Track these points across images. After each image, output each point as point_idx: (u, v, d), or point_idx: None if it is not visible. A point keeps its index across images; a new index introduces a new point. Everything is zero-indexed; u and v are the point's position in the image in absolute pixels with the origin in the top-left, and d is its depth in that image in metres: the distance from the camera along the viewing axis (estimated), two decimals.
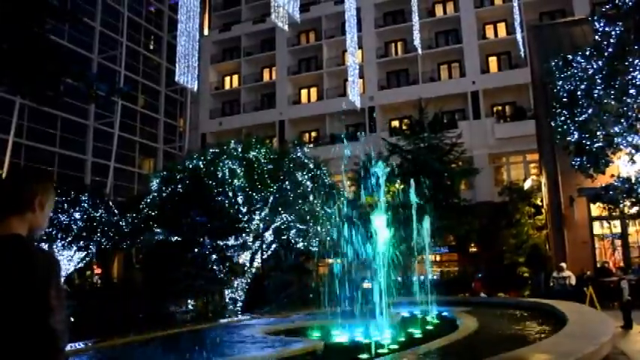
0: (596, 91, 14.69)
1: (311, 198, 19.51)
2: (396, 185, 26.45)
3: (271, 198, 18.65)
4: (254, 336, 10.59)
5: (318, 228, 19.95)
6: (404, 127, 31.85)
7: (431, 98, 33.09)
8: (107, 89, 14.27)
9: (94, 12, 39.27)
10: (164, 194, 19.41)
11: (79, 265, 23.57)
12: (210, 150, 20.60)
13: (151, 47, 46.88)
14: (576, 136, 15.41)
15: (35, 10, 11.94)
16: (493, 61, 37.82)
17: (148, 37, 46.37)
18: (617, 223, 19.57)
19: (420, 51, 34.31)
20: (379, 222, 9.97)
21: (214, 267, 18.53)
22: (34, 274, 1.89)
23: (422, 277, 13.21)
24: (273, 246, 20.39)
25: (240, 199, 18.48)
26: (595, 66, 14.98)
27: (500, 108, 37.03)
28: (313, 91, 42.45)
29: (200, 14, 39.57)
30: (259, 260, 20.01)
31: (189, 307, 19.15)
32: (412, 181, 13.08)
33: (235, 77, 45.35)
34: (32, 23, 11.83)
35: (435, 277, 13.37)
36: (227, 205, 18.32)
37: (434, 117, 28.55)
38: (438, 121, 28.42)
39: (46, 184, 2.19)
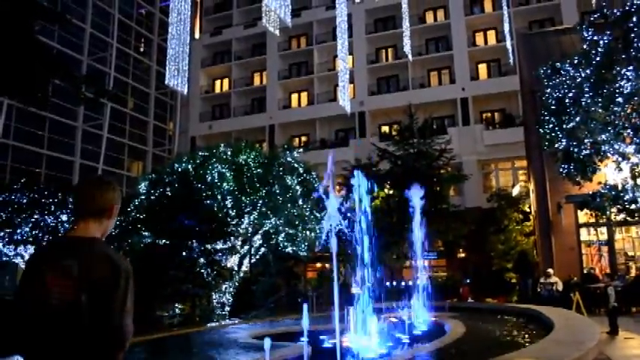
0: (584, 99, 14.81)
1: (300, 202, 19.48)
2: (385, 190, 26.57)
3: (260, 202, 18.59)
4: (241, 340, 10.55)
5: (307, 232, 19.93)
6: (394, 133, 31.93)
7: (421, 104, 33.20)
8: (95, 91, 14.20)
9: (84, 13, 39.08)
10: (152, 197, 19.30)
11: None
12: (200, 153, 20.53)
13: (141, 50, 46.70)
14: (564, 144, 15.52)
15: (24, 11, 11.85)
16: (483, 68, 38.07)
17: (138, 39, 46.19)
18: (604, 229, 19.73)
19: (410, 57, 34.45)
20: (368, 227, 9.97)
21: (202, 271, 18.43)
22: (118, 279, 2.05)
23: (410, 283, 13.22)
24: (262, 250, 20.33)
25: (229, 203, 18.41)
26: (583, 74, 15.10)
27: (489, 115, 37.25)
28: (304, 95, 42.47)
29: (191, 17, 39.52)
30: (247, 264, 19.94)
31: (177, 311, 19.04)
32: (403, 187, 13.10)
33: (226, 81, 45.29)
34: (21, 24, 11.74)
35: (423, 282, 13.39)
36: (216, 208, 18.24)
37: (423, 123, 28.66)
38: (427, 127, 28.53)
39: (120, 194, 2.34)
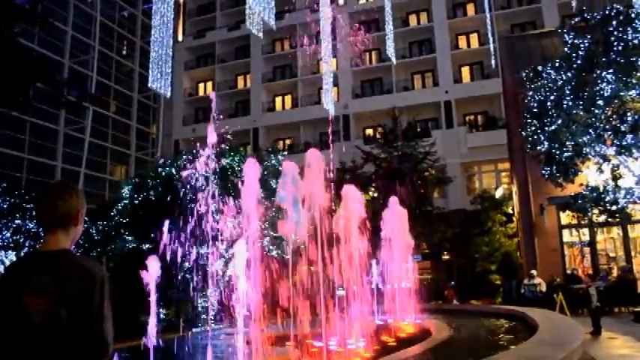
0: (566, 102, 14.99)
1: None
2: (370, 193, 26.62)
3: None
4: (226, 345, 10.48)
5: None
6: (378, 136, 32.03)
7: (405, 107, 33.43)
8: (77, 94, 14.07)
9: (66, 16, 38.69)
10: (136, 201, 19.13)
11: None
12: (184, 157, 20.39)
13: (124, 52, 46.36)
14: (546, 146, 15.68)
15: (4, 13, 11.70)
16: (465, 71, 38.38)
17: (120, 42, 45.85)
18: (586, 231, 19.93)
19: (394, 60, 34.61)
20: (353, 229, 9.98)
21: (187, 275, 18.29)
22: (93, 287, 2.03)
23: (396, 286, 13.25)
24: (247, 254, 20.22)
25: (213, 207, 18.30)
26: (564, 77, 15.30)
27: (472, 117, 37.54)
28: (287, 98, 42.45)
29: (174, 20, 39.38)
30: (233, 268, 19.84)
31: (162, 316, 18.87)
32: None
33: (209, 84, 45.11)
34: (1, 26, 11.58)
35: (408, 285, 13.47)
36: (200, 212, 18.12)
37: (407, 126, 28.80)
38: (411, 129, 28.68)
39: (83, 197, 2.28)
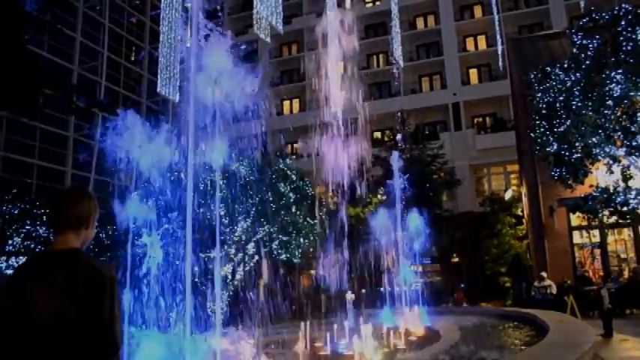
0: (575, 103, 14.92)
1: (293, 209, 19.46)
2: (379, 197, 26.59)
3: (253, 209, 18.55)
4: (237, 349, 10.48)
5: (301, 239, 19.90)
6: (386, 139, 31.99)
7: (412, 110, 33.34)
8: (87, 101, 14.19)
9: (75, 23, 38.96)
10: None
11: None
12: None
13: (132, 58, 46.60)
14: (555, 147, 15.60)
15: (14, 21, 11.82)
16: (473, 73, 38.25)
17: (129, 48, 46.10)
18: (597, 232, 19.80)
19: (401, 63, 34.58)
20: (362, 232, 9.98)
21: (195, 279, 18.32)
22: (104, 287, 2.04)
23: (405, 288, 13.21)
24: (256, 258, 20.25)
25: (221, 211, 18.35)
26: (573, 78, 15.22)
27: (480, 119, 37.39)
28: (295, 102, 42.50)
29: (182, 26, 39.54)
30: (241, 272, 19.86)
31: (170, 320, 18.91)
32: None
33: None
34: (11, 34, 11.70)
35: (418, 287, 13.44)
36: (208, 217, 18.16)
37: (415, 128, 28.77)
38: (419, 132, 28.65)
39: (96, 202, 2.32)
